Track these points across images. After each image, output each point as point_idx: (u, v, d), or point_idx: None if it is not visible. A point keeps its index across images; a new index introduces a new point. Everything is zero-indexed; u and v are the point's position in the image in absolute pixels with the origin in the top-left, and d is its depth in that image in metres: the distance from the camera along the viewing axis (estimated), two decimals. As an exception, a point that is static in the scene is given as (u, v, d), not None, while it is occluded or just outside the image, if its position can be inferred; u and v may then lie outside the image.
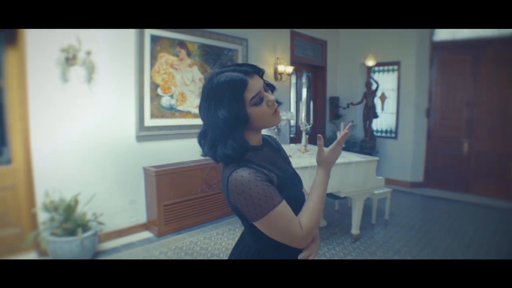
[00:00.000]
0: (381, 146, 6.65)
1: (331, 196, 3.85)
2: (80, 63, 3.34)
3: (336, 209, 5.03)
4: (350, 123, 1.33)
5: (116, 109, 3.80)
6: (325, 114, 7.24)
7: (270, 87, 1.23)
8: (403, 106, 6.33)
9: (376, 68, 6.71)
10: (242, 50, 5.17)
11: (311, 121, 4.48)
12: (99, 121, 3.64)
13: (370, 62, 6.42)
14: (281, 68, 5.71)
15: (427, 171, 6.30)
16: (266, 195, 1.03)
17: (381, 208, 4.75)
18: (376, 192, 4.26)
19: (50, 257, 3.13)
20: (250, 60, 5.31)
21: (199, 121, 1.19)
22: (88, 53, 3.34)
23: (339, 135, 1.28)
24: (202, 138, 1.16)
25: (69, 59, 3.21)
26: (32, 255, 3.26)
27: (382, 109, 6.66)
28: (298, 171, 3.15)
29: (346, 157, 3.80)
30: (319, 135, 1.29)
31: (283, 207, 1.06)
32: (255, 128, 1.16)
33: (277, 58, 5.79)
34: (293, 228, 1.07)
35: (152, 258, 3.39)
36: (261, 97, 1.10)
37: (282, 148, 1.42)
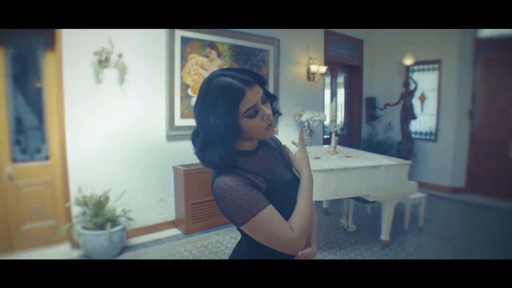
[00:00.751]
0: (420, 149, 6.35)
1: (360, 200, 3.73)
2: (113, 65, 3.49)
3: (368, 213, 4.87)
4: (300, 128, 1.32)
5: (147, 109, 3.93)
6: (361, 115, 7.04)
7: (271, 98, 1.20)
8: (444, 107, 6.01)
9: (415, 67, 6.42)
10: (274, 50, 5.15)
11: (341, 122, 4.37)
12: (130, 121, 3.79)
13: (409, 61, 6.15)
14: (314, 68, 5.63)
15: (469, 176, 5.93)
16: (248, 200, 1.02)
17: (415, 214, 4.54)
18: (409, 197, 4.08)
19: (81, 249, 3.30)
20: (282, 60, 5.28)
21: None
22: (120, 55, 3.47)
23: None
24: (195, 137, 1.15)
25: (102, 62, 3.36)
26: (66, 246, 3.46)
27: (422, 110, 6.37)
28: (323, 174, 3.10)
29: (375, 160, 3.67)
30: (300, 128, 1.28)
31: (269, 211, 1.04)
32: (247, 138, 1.14)
33: (310, 58, 5.71)
34: (282, 232, 1.04)
35: (177, 255, 3.46)
36: (257, 110, 1.07)
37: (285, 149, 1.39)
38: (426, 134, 6.38)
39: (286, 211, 1.11)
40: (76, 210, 3.32)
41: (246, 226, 1.04)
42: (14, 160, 3.30)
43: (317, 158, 3.76)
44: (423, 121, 6.38)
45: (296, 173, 1.27)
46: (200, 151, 1.12)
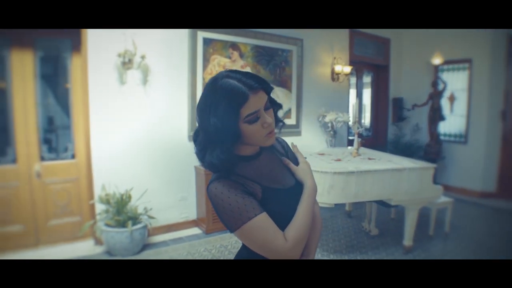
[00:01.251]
0: (448, 152, 6.13)
1: (382, 204, 3.63)
2: (136, 67, 3.56)
3: (392, 217, 4.75)
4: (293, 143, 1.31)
5: (169, 109, 3.99)
6: (387, 116, 6.87)
7: (276, 106, 1.18)
8: (474, 107, 5.76)
9: (444, 67, 6.19)
10: (297, 51, 5.11)
11: (365, 123, 4.28)
12: (153, 121, 3.86)
13: (437, 60, 5.94)
14: (338, 68, 5.54)
15: (501, 181, 5.66)
16: (239, 207, 1.01)
17: (441, 219, 4.38)
18: (434, 201, 3.94)
19: (103, 245, 3.40)
20: (306, 60, 5.23)
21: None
22: (143, 57, 3.54)
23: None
24: (196, 136, 1.15)
25: (126, 63, 3.44)
26: (90, 242, 3.57)
27: (451, 111, 6.13)
28: (343, 176, 3.05)
29: (398, 162, 3.57)
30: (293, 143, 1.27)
31: (262, 219, 1.02)
32: (247, 143, 1.12)
33: (334, 57, 5.62)
34: (274, 241, 1.02)
35: (197, 254, 3.50)
36: (258, 116, 1.05)
37: (291, 154, 1.36)
38: (455, 136, 6.14)
39: (285, 220, 1.09)
40: (99, 207, 3.42)
41: (237, 233, 1.04)
42: (42, 158, 3.44)
43: (339, 160, 3.69)
44: (453, 122, 6.14)
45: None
46: (200, 151, 1.12)
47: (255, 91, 1.04)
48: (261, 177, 1.14)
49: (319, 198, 3.05)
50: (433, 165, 3.57)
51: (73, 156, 3.59)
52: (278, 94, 4.93)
